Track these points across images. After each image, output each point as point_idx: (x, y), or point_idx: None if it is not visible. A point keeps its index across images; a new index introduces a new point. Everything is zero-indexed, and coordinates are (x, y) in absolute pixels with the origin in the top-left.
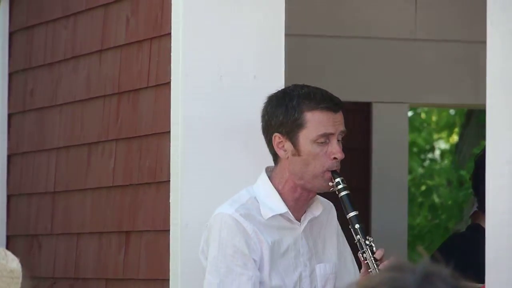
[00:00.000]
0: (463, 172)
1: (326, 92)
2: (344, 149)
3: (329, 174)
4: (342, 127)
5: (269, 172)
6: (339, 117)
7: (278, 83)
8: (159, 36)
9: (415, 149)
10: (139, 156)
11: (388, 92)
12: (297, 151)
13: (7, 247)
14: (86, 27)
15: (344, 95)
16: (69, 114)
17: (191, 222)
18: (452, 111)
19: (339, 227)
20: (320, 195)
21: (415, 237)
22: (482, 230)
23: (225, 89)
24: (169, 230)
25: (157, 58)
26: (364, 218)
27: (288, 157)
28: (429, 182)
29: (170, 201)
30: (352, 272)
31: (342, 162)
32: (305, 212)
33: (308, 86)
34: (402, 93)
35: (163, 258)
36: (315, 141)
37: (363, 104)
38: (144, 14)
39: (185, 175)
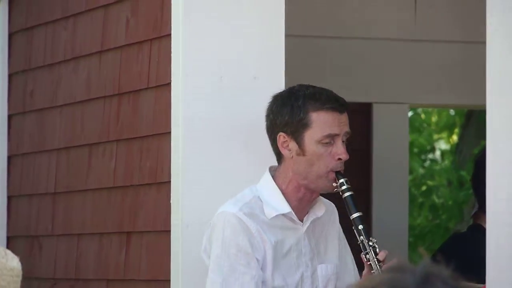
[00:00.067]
0: (463, 173)
1: (332, 92)
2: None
3: (333, 175)
4: (347, 128)
5: (273, 171)
6: (344, 118)
7: (278, 84)
8: (159, 37)
9: (415, 150)
10: (140, 157)
11: (389, 92)
12: (301, 151)
13: (8, 248)
14: (86, 28)
15: (344, 96)
16: (69, 115)
17: (192, 222)
18: (452, 112)
19: (341, 229)
20: (322, 196)
21: (416, 237)
22: (483, 230)
23: (225, 89)
24: (170, 231)
25: (157, 59)
26: (365, 218)
27: (292, 157)
28: (430, 183)
29: (171, 201)
30: (352, 273)
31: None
32: (307, 212)
33: (313, 86)
34: (402, 94)
35: (164, 258)
36: (320, 142)
37: (363, 104)
38: (144, 15)
39: (185, 176)
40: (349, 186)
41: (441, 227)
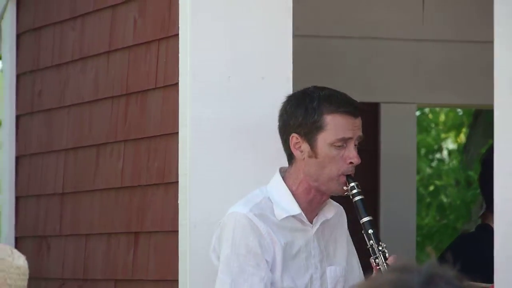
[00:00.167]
0: (471, 172)
1: (347, 96)
2: None
3: (344, 178)
4: (360, 132)
5: (283, 172)
6: (358, 122)
7: (286, 84)
8: (167, 37)
9: (423, 150)
10: (148, 157)
11: (396, 92)
12: (313, 153)
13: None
14: (94, 28)
15: (352, 96)
16: (77, 115)
17: (200, 222)
18: (460, 111)
19: (348, 232)
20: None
21: (423, 237)
22: (491, 230)
23: (233, 90)
24: (177, 231)
25: (165, 59)
26: (375, 223)
27: (304, 158)
28: (437, 182)
29: (179, 201)
30: (357, 277)
31: None
32: (317, 214)
33: (328, 89)
34: (410, 94)
35: (172, 258)
36: (332, 144)
37: (371, 104)
38: (151, 15)
39: (193, 176)
40: (359, 190)
41: (449, 227)
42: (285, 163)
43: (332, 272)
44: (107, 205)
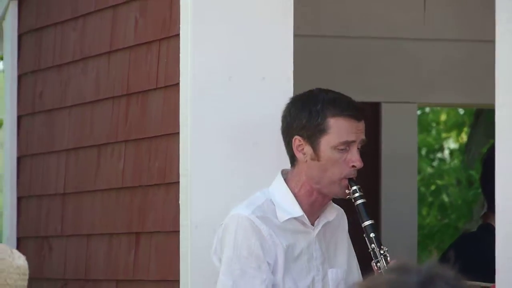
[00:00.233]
0: (472, 172)
1: (351, 99)
2: None
3: (346, 182)
4: (363, 136)
5: (285, 174)
6: (361, 125)
7: (287, 84)
8: (168, 37)
9: (424, 149)
10: (148, 157)
11: (397, 92)
12: (316, 156)
13: (18, 249)
14: (95, 29)
15: (353, 95)
16: (78, 115)
17: (201, 222)
18: (461, 111)
19: (348, 234)
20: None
21: (425, 237)
22: (493, 230)
23: (233, 90)
24: (178, 231)
25: (165, 59)
26: (374, 218)
27: (306, 161)
28: (439, 182)
29: (180, 202)
30: (356, 279)
31: None
32: (318, 216)
33: (332, 91)
34: (411, 93)
35: (173, 259)
36: (335, 148)
37: (372, 104)
38: (152, 15)
39: (194, 176)
40: (361, 193)
41: (450, 227)
42: (286, 163)
43: (333, 274)
44: (108, 205)
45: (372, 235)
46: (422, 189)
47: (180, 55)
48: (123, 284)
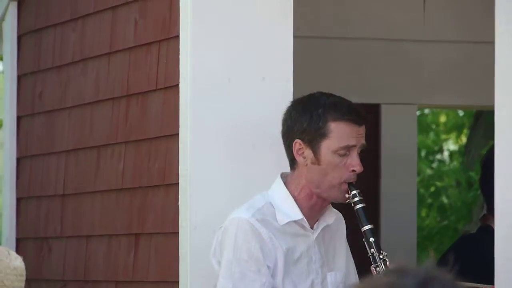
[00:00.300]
0: (472, 173)
1: (352, 103)
2: None
3: (345, 186)
4: (363, 140)
5: (284, 177)
6: (362, 130)
7: (286, 85)
8: (168, 38)
9: (423, 151)
10: (148, 158)
11: (397, 93)
12: (316, 160)
13: (17, 250)
14: (95, 30)
15: (353, 97)
16: (78, 116)
17: (200, 224)
18: (460, 112)
19: (346, 239)
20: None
21: (424, 238)
22: (492, 231)
23: (233, 91)
24: (178, 232)
25: (165, 60)
26: (373, 219)
27: (306, 165)
28: (438, 183)
29: (179, 203)
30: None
31: None
32: (318, 220)
33: (334, 95)
34: (410, 94)
35: (172, 260)
36: (336, 152)
37: (372, 105)
38: (152, 16)
39: (193, 177)
40: (361, 198)
41: (450, 228)
42: (286, 163)
43: (333, 278)
44: (108, 206)
45: (371, 239)
46: (422, 190)
47: (180, 56)
48: (123, 285)
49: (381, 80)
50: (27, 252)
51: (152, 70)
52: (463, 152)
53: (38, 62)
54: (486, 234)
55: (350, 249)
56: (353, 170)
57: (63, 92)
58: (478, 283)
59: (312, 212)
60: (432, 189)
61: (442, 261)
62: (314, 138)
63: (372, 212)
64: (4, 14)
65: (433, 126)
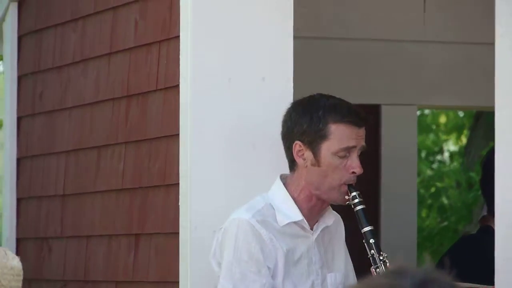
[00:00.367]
0: (472, 174)
1: (352, 105)
2: None
3: (345, 188)
4: (363, 142)
5: (284, 179)
6: (362, 132)
7: (286, 86)
8: (168, 39)
9: (423, 151)
10: (148, 159)
11: (397, 94)
12: (316, 162)
13: (17, 250)
14: (95, 30)
15: (353, 98)
16: (78, 117)
17: (200, 224)
18: (461, 113)
19: (344, 240)
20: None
21: (424, 239)
22: (493, 232)
23: (233, 91)
24: (178, 233)
25: (165, 60)
26: (373, 220)
27: (306, 166)
28: (438, 184)
29: (179, 203)
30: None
31: None
32: (317, 221)
33: (334, 97)
34: (411, 95)
35: (172, 260)
36: (336, 154)
37: (372, 106)
38: (152, 17)
39: (194, 178)
40: (361, 199)
41: (450, 229)
42: (285, 164)
43: (332, 278)
44: (108, 206)
45: (371, 241)
46: (422, 191)
47: (180, 56)
48: (123, 286)
49: (381, 81)
50: (27, 252)
51: (152, 70)
52: (463, 153)
53: (39, 63)
54: (486, 234)
55: (350, 250)
56: (353, 172)
57: (63, 92)
58: (478, 283)
59: (312, 213)
60: (432, 189)
61: (441, 262)
62: (314, 140)
63: (372, 212)
64: (4, 14)
65: (433, 127)
